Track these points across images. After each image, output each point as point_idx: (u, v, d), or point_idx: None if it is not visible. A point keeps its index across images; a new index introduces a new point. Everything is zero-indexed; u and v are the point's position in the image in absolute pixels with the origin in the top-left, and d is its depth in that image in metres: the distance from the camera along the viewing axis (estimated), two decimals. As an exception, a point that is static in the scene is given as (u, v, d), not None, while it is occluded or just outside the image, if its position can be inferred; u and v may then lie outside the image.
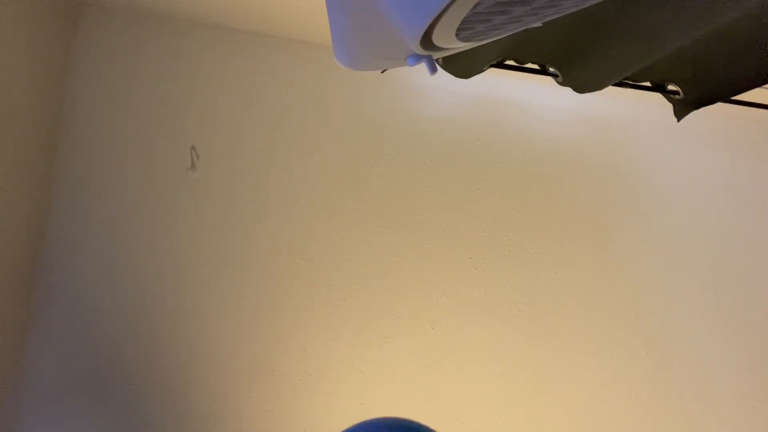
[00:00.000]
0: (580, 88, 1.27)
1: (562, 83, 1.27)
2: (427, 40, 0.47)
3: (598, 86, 1.23)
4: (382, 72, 2.00)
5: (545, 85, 2.16)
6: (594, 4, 0.42)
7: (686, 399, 2.17)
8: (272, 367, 1.96)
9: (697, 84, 1.16)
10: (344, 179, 2.06)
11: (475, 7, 0.39)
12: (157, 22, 1.98)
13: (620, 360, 2.15)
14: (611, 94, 1.58)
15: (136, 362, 1.92)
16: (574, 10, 0.44)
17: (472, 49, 0.65)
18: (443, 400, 2.04)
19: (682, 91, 1.19)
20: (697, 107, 1.18)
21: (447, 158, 2.13)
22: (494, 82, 2.15)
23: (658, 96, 1.26)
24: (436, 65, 0.80)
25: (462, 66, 1.22)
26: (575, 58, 1.17)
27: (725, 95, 1.11)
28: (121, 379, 1.92)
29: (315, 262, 2.02)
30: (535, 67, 1.29)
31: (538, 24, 0.48)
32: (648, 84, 1.25)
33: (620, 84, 1.25)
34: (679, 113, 1.22)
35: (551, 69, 1.25)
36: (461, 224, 2.11)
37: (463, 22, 0.43)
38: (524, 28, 0.49)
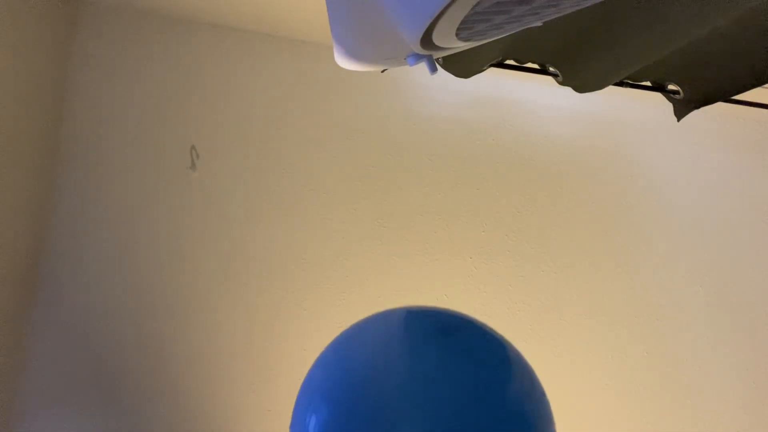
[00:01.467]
0: (580, 88, 1.27)
1: (563, 83, 1.27)
2: (427, 40, 0.47)
3: (598, 86, 1.23)
4: (382, 72, 2.00)
5: (545, 85, 2.16)
6: (594, 3, 0.42)
7: (686, 399, 2.17)
8: (272, 367, 1.96)
9: (697, 84, 1.16)
10: (344, 179, 2.06)
11: (475, 6, 0.39)
12: (157, 21, 1.98)
13: (620, 360, 2.15)
14: (611, 93, 1.58)
15: (136, 362, 1.92)
16: (574, 9, 0.44)
17: (472, 48, 0.65)
18: (443, 399, 2.03)
19: (682, 90, 1.19)
20: (697, 107, 1.18)
21: (447, 158, 2.13)
22: (494, 81, 2.15)
23: (658, 96, 1.26)
24: (436, 65, 0.80)
25: (462, 65, 1.22)
26: (575, 57, 1.17)
27: (725, 95, 1.11)
28: (121, 379, 1.92)
29: (315, 262, 2.02)
30: (536, 66, 1.29)
31: (539, 24, 0.48)
32: (648, 84, 1.25)
33: (620, 84, 1.25)
34: (679, 113, 1.22)
35: (551, 69, 1.25)
36: (461, 224, 2.12)
37: (463, 22, 0.43)
38: (524, 27, 0.49)
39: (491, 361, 0.83)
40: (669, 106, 1.27)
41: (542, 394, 0.90)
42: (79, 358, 1.89)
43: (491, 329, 0.89)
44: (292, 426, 0.87)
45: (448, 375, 0.77)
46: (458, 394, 0.75)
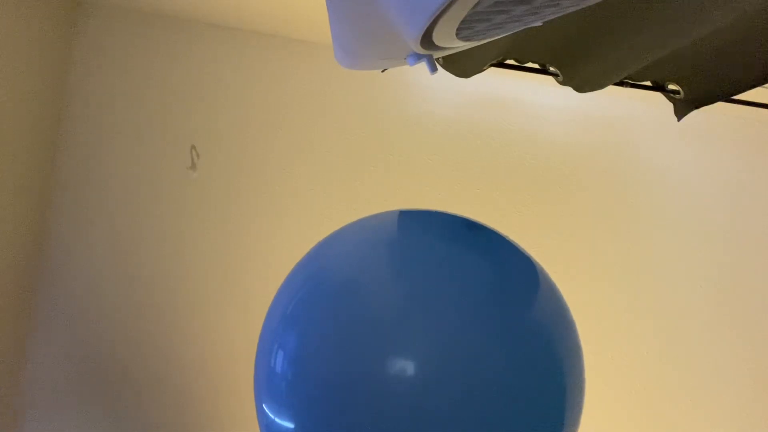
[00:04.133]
0: (580, 88, 1.27)
1: (563, 83, 1.27)
2: (427, 40, 0.47)
3: (598, 86, 1.23)
4: (382, 71, 2.00)
5: (545, 85, 2.16)
6: (594, 3, 0.42)
7: (686, 399, 2.17)
8: (272, 367, 1.96)
9: (698, 83, 1.15)
10: (344, 178, 2.06)
11: (475, 6, 0.39)
12: (157, 21, 1.98)
13: (620, 360, 2.15)
14: (612, 93, 1.58)
15: (136, 362, 1.92)
16: (574, 9, 0.44)
17: (473, 48, 0.65)
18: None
19: (683, 90, 1.19)
20: (697, 107, 1.18)
21: (447, 158, 2.13)
22: (494, 81, 2.15)
23: (658, 95, 1.26)
24: (436, 64, 0.80)
25: (462, 65, 1.22)
26: (576, 57, 1.17)
27: (725, 95, 1.11)
28: (121, 379, 1.92)
29: (315, 262, 2.02)
30: (536, 66, 1.29)
31: (539, 23, 0.47)
32: (648, 83, 1.24)
33: (621, 83, 1.25)
34: (680, 112, 1.22)
35: (552, 68, 1.25)
36: (461, 224, 2.11)
37: (463, 22, 0.43)
38: (525, 27, 0.49)
39: (520, 273, 0.72)
40: (669, 106, 1.26)
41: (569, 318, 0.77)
42: (78, 358, 1.89)
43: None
44: (256, 370, 0.76)
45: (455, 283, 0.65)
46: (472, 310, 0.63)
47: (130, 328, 1.92)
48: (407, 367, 0.61)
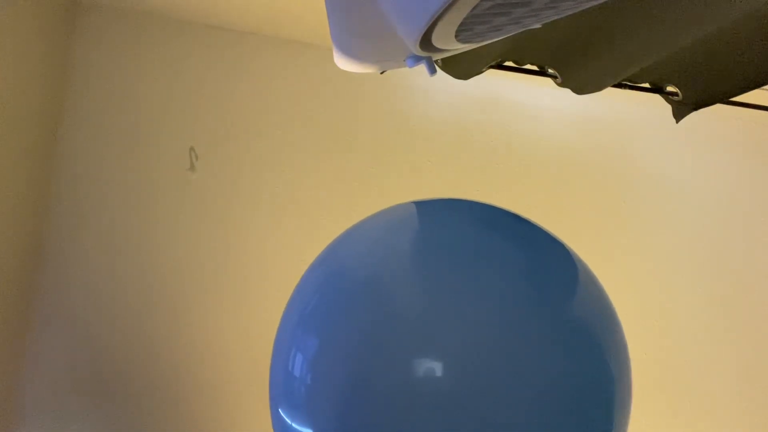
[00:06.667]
0: (579, 90, 1.27)
1: (561, 84, 1.27)
2: (426, 42, 0.47)
3: (597, 87, 1.23)
4: (382, 73, 2.00)
5: (544, 87, 2.16)
6: (593, 5, 0.42)
7: (686, 399, 2.17)
8: (271, 368, 1.96)
9: (696, 85, 1.16)
10: (344, 180, 2.06)
11: (474, 9, 0.39)
12: (157, 22, 1.98)
13: (619, 361, 2.15)
14: (610, 95, 1.59)
15: (136, 362, 1.92)
16: (573, 11, 0.44)
17: (472, 50, 0.65)
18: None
19: (681, 92, 1.19)
20: (695, 108, 1.18)
21: (446, 159, 2.13)
22: (493, 83, 2.15)
23: (657, 97, 1.26)
24: (436, 66, 0.80)
25: (461, 67, 1.22)
26: (574, 59, 1.17)
27: (724, 96, 1.11)
28: (122, 380, 1.91)
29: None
30: (534, 68, 1.29)
31: (538, 25, 0.48)
32: (647, 85, 1.25)
33: (619, 85, 1.25)
34: (678, 114, 1.22)
35: (550, 70, 1.25)
36: (460, 225, 2.11)
37: (462, 24, 0.43)
38: (524, 29, 0.49)
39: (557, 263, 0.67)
40: (668, 108, 1.27)
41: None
42: (78, 359, 1.89)
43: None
44: (272, 373, 0.72)
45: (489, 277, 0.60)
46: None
47: (129, 329, 1.92)
48: (436, 369, 0.57)
